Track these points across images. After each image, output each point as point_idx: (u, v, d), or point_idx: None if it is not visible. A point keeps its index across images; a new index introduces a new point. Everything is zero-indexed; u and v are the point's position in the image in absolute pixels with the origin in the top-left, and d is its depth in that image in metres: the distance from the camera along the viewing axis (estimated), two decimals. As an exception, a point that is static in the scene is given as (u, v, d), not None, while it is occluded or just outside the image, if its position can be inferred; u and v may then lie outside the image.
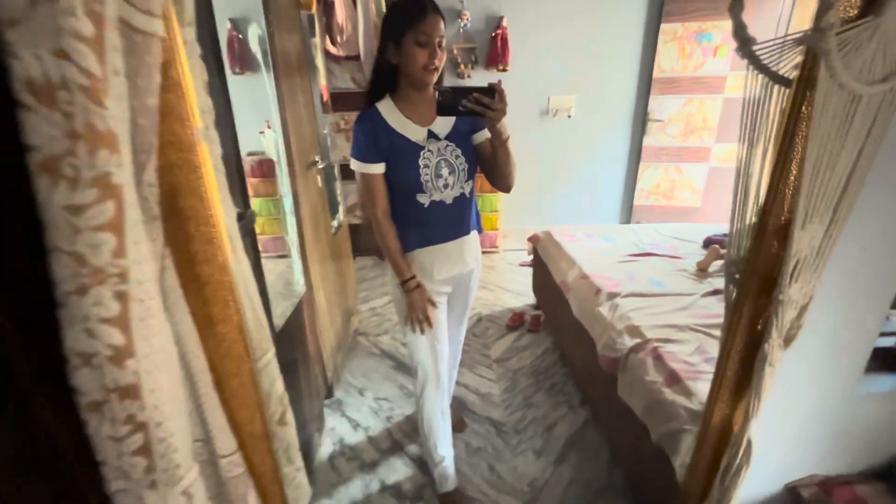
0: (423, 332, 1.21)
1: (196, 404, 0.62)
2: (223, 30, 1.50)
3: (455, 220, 1.18)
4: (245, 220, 0.96)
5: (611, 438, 1.60)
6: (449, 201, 1.14)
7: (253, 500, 0.70)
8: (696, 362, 1.23)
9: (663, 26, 3.17)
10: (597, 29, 3.28)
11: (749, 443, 0.64)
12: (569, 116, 3.51)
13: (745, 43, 0.52)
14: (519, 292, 2.84)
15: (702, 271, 1.84)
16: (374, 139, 1.06)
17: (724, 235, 2.10)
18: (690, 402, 1.10)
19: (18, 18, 0.37)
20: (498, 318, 2.54)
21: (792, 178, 0.52)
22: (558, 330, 2.18)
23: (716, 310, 1.52)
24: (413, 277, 1.17)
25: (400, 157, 1.08)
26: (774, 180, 0.53)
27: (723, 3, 3.07)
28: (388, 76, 1.08)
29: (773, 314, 0.56)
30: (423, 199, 1.11)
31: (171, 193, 0.53)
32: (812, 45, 0.45)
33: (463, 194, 1.16)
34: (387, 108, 1.08)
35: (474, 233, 1.27)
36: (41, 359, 0.49)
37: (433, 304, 1.21)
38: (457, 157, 1.11)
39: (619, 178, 3.73)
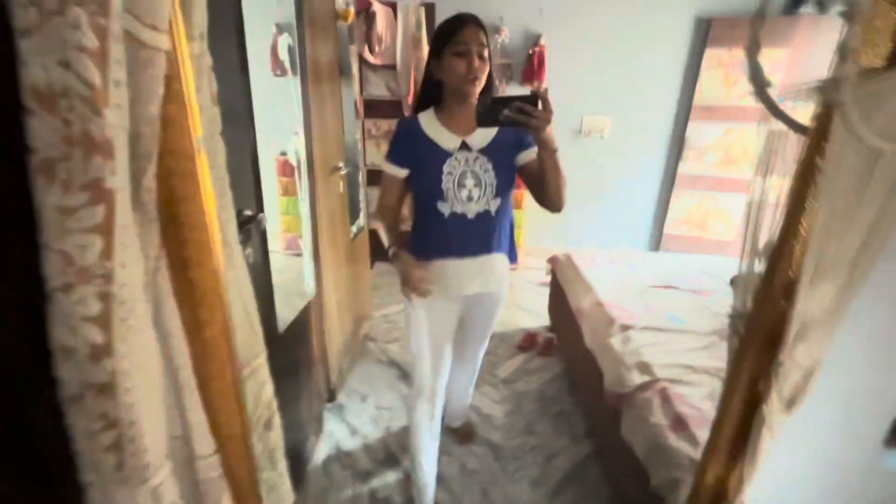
0: (423, 295, 1.02)
1: (178, 403, 0.63)
2: (268, 34, 1.55)
3: (477, 237, 1.14)
4: (255, 222, 0.98)
5: (611, 477, 1.53)
6: (471, 216, 1.10)
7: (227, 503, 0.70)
8: (707, 409, 1.17)
9: (708, 52, 3.07)
10: (637, 51, 3.22)
11: (742, 510, 0.60)
12: (601, 137, 3.45)
13: (761, 87, 0.49)
14: (535, 312, 2.79)
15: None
16: (405, 144, 1.10)
17: (755, 274, 1.99)
18: (695, 450, 1.04)
19: (30, 29, 0.39)
20: (510, 338, 2.49)
21: (802, 231, 0.48)
22: (570, 356, 2.12)
23: (736, 353, 1.44)
24: (397, 244, 1.09)
25: (425, 161, 1.08)
26: (784, 233, 0.50)
27: (773, 31, 2.95)
28: (432, 92, 1.11)
29: (773, 375, 0.52)
30: (444, 209, 1.10)
31: (168, 199, 0.54)
32: (826, 96, 0.42)
33: (488, 212, 1.11)
34: (426, 118, 1.12)
35: (501, 256, 1.20)
36: (38, 349, 0.51)
37: (424, 279, 1.02)
38: (485, 171, 1.08)
39: (651, 203, 3.62)
